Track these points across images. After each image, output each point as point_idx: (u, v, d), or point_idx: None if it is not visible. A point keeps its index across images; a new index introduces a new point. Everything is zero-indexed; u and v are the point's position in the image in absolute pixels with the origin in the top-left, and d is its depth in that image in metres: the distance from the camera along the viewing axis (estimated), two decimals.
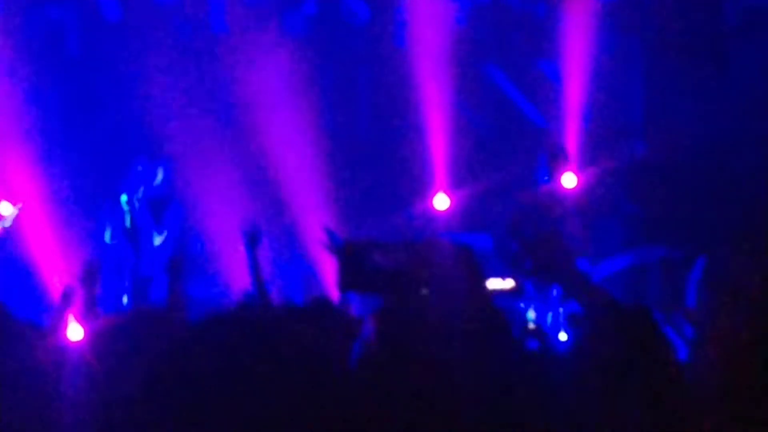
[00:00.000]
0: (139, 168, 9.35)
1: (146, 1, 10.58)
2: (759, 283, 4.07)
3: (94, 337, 4.46)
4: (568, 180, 9.20)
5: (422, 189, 10.43)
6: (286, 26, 10.60)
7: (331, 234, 6.69)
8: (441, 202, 10.25)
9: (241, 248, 9.96)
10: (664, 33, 10.60)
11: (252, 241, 6.38)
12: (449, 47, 10.38)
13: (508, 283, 9.66)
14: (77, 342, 5.93)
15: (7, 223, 8.25)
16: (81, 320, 5.43)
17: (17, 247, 9.61)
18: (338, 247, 4.85)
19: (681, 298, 7.37)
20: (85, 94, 10.75)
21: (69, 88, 10.68)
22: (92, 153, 10.51)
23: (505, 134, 11.00)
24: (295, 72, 10.32)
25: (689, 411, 3.48)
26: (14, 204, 8.46)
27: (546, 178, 9.10)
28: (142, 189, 9.35)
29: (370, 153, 10.91)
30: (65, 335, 6.14)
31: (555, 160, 9.04)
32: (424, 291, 3.76)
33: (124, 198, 9.26)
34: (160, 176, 9.55)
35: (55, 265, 9.22)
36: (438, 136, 10.48)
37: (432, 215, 10.31)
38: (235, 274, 9.60)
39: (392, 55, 10.66)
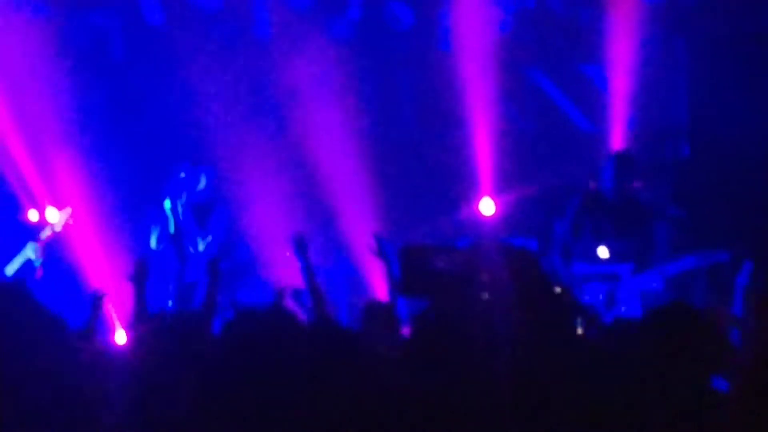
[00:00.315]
0: (182, 174, 9.39)
1: (189, 5, 10.59)
2: None
3: (135, 341, 4.50)
4: (608, 182, 9.21)
5: (468, 194, 10.40)
6: (330, 31, 10.58)
7: (380, 240, 6.69)
8: (487, 206, 10.22)
9: (289, 253, 10.01)
10: (710, 33, 10.54)
11: (300, 247, 6.35)
12: (493, 51, 10.34)
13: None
14: (122, 345, 5.98)
15: (57, 228, 8.28)
16: (131, 319, 5.44)
17: (64, 251, 9.68)
18: (398, 251, 4.84)
19: (727, 304, 7.31)
20: (130, 98, 10.79)
21: (113, 93, 10.71)
22: (137, 158, 10.54)
23: (549, 138, 10.95)
24: (340, 76, 10.32)
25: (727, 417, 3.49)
26: (61, 209, 8.48)
27: (609, 182, 9.06)
28: (185, 194, 9.38)
29: (415, 158, 10.88)
30: (109, 338, 6.19)
31: (622, 165, 9.03)
32: (485, 295, 3.73)
33: (167, 204, 9.29)
34: (203, 182, 9.58)
35: (101, 270, 9.25)
36: (483, 140, 10.45)
37: (478, 220, 10.28)
38: (284, 280, 9.62)
39: (436, 59, 10.65)
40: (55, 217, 8.92)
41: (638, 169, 9.19)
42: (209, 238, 9.68)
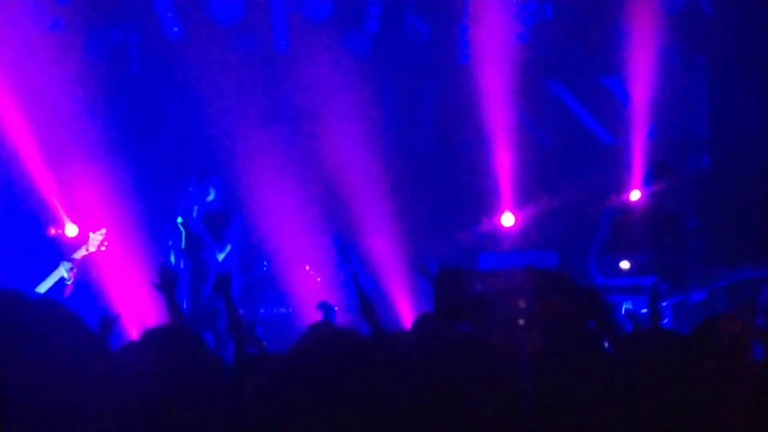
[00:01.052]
0: (190, 188, 9.38)
1: (207, 19, 10.58)
2: None
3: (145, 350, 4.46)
4: (635, 194, 9.18)
5: (488, 207, 10.36)
6: (349, 44, 10.56)
7: (425, 262, 6.61)
8: (507, 219, 10.20)
9: (305, 268, 9.99)
10: (729, 44, 10.48)
11: (343, 252, 6.17)
12: (512, 64, 10.30)
13: None
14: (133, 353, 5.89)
15: (92, 248, 8.19)
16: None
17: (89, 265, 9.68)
18: (435, 275, 4.75)
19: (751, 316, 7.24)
20: (148, 112, 10.79)
21: (131, 107, 10.71)
22: (154, 171, 10.53)
23: (569, 151, 10.91)
24: (358, 89, 10.28)
25: None
26: (96, 230, 8.37)
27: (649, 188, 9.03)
28: (196, 208, 9.37)
29: (434, 170, 10.85)
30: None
31: (660, 173, 8.98)
32: (521, 321, 3.69)
33: (179, 219, 9.29)
34: (212, 194, 9.57)
35: (123, 286, 9.19)
36: (503, 153, 10.41)
37: (497, 233, 10.24)
38: (302, 294, 9.60)
39: (456, 71, 10.61)
40: (74, 232, 8.88)
41: (675, 178, 9.14)
42: (228, 249, 9.66)
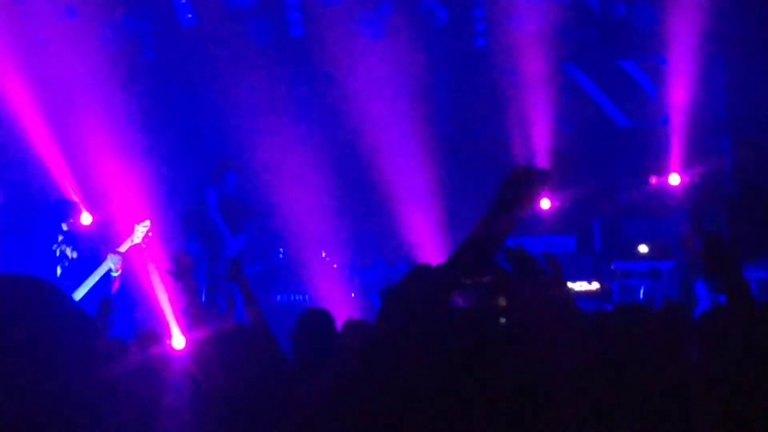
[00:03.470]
0: (209, 176, 9.36)
1: (221, 5, 10.52)
2: None
3: (196, 348, 4.40)
4: (674, 178, 9.08)
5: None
6: (364, 28, 10.48)
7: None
8: (544, 203, 10.23)
9: (326, 254, 9.96)
10: (746, 31, 10.38)
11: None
12: (529, 48, 10.22)
13: (594, 286, 9.54)
14: (181, 351, 5.87)
15: (137, 239, 8.18)
16: (187, 317, 5.26)
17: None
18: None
19: None
20: (162, 99, 10.75)
21: (146, 95, 10.67)
22: (171, 158, 10.49)
23: (589, 134, 10.82)
24: (375, 73, 10.22)
25: None
26: (140, 222, 8.34)
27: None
28: (214, 196, 9.35)
29: (451, 155, 10.75)
30: (166, 344, 6.08)
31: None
32: (502, 320, 3.63)
33: (195, 207, 9.28)
34: (230, 184, 9.56)
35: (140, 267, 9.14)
36: (522, 137, 10.35)
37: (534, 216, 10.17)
38: (318, 281, 9.57)
39: (472, 55, 10.54)
40: (88, 220, 8.86)
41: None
42: (244, 239, 9.65)
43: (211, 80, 10.43)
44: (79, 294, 7.81)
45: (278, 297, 9.94)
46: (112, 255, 8.03)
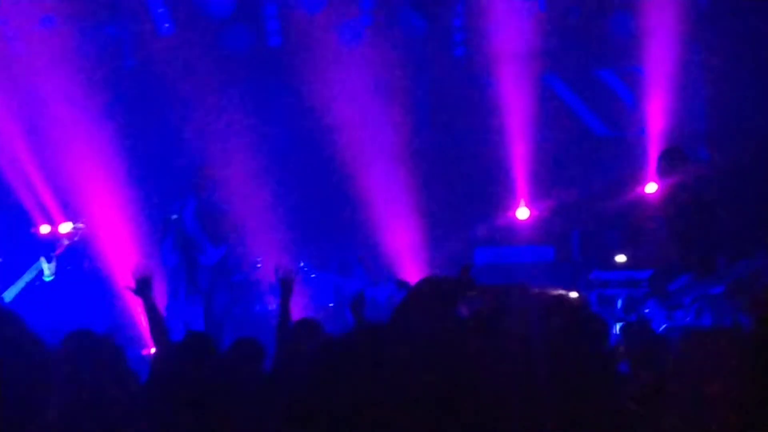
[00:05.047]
0: (186, 186, 9.31)
1: (199, 14, 10.50)
2: None
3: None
4: (650, 187, 9.07)
5: (491, 201, 10.29)
6: (342, 38, 10.46)
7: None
8: (522, 213, 10.22)
9: (303, 263, 9.93)
10: (725, 36, 10.40)
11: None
12: (508, 58, 10.23)
13: (572, 295, 9.53)
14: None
15: (65, 241, 8.22)
16: (147, 330, 5.33)
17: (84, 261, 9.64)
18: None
19: None
20: (140, 106, 10.71)
21: (124, 101, 10.63)
22: (147, 165, 10.46)
23: (568, 144, 10.82)
24: (353, 83, 10.21)
25: None
26: (75, 222, 8.40)
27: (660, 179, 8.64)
28: (191, 204, 9.30)
29: (429, 163, 10.74)
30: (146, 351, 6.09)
31: (673, 163, 8.50)
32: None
33: (174, 216, 9.23)
34: (208, 193, 9.50)
35: (119, 274, 9.16)
36: (501, 146, 10.36)
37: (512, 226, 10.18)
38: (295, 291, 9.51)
39: (451, 64, 10.53)
40: (67, 229, 8.84)
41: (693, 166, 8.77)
42: (220, 247, 9.59)
43: (190, 88, 10.39)
44: (8, 295, 7.84)
45: (256, 307, 9.91)
46: (43, 257, 8.04)
